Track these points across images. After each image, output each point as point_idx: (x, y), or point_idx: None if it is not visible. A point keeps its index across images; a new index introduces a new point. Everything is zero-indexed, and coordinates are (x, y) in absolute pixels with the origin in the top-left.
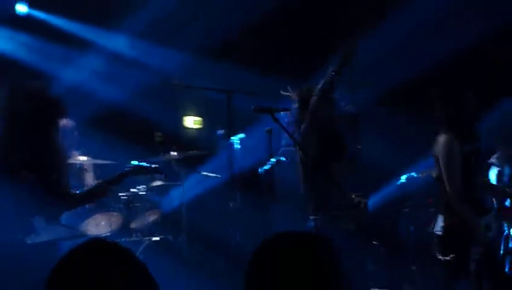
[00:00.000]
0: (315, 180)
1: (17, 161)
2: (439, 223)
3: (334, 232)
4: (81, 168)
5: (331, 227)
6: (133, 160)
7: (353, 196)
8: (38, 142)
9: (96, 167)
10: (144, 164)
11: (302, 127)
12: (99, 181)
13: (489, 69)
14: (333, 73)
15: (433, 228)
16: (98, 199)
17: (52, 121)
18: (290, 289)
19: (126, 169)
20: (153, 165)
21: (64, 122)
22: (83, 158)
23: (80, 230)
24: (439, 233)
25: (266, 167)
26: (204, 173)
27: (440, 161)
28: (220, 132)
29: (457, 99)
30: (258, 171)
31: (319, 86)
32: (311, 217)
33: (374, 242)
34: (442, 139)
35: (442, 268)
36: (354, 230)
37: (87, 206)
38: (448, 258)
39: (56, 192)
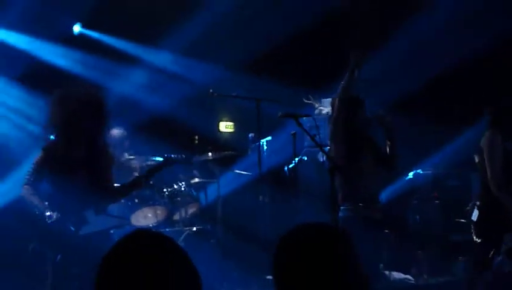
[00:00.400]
0: (343, 175)
1: (76, 162)
2: (476, 212)
3: (359, 221)
4: (130, 168)
5: (357, 215)
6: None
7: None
8: (92, 143)
9: (143, 167)
10: (173, 155)
11: (330, 127)
12: (136, 175)
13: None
14: (347, 73)
15: (470, 216)
16: (134, 190)
17: (103, 122)
18: (308, 275)
19: (157, 163)
20: (180, 155)
21: (116, 131)
22: (132, 159)
23: (125, 218)
24: (475, 220)
25: (291, 166)
26: (237, 171)
27: (484, 151)
28: (251, 135)
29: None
30: (284, 169)
31: (339, 87)
32: (341, 207)
33: (386, 231)
34: (487, 133)
35: (478, 249)
36: (379, 219)
37: (136, 200)
38: (480, 240)
39: (103, 187)
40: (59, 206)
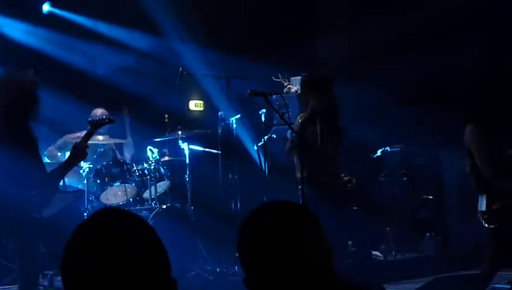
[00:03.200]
0: (307, 157)
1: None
2: (483, 202)
3: (322, 197)
4: (105, 147)
5: (321, 191)
6: (147, 139)
7: (342, 175)
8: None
9: (117, 145)
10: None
11: (303, 115)
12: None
13: None
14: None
15: (479, 207)
16: (75, 163)
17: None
18: (271, 250)
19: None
20: (105, 117)
21: (100, 111)
22: (104, 138)
23: (80, 190)
24: (484, 209)
25: (260, 143)
26: (206, 149)
27: (470, 146)
28: (220, 113)
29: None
30: (253, 147)
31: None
32: (305, 184)
33: (354, 207)
34: (467, 129)
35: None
36: (344, 196)
37: (106, 178)
38: (492, 226)
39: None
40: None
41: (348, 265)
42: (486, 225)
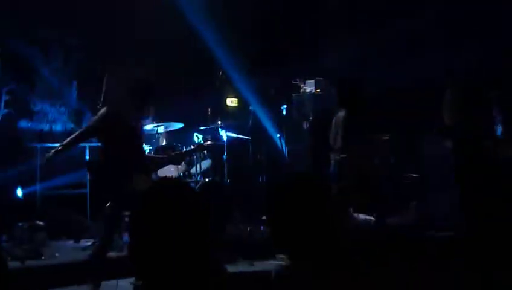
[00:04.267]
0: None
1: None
2: None
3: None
4: (158, 134)
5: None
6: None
7: None
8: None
9: (168, 133)
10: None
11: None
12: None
13: None
14: None
15: None
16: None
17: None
18: (293, 212)
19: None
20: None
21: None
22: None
23: None
24: None
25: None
26: (240, 136)
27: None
28: (251, 108)
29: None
30: (276, 134)
31: None
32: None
33: None
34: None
35: None
36: None
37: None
38: None
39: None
40: None
41: None
42: None
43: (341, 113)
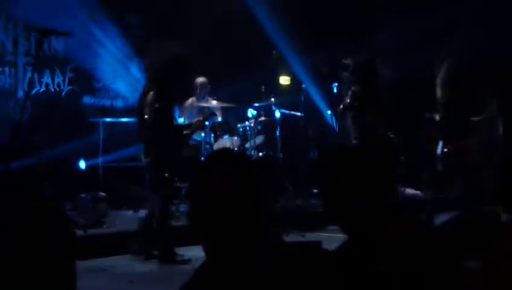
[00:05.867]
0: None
1: None
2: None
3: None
4: (212, 110)
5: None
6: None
7: None
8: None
9: (223, 109)
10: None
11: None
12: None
13: None
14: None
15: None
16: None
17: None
18: (343, 184)
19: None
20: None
21: (201, 80)
22: (214, 102)
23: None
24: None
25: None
26: (292, 112)
27: None
28: (304, 86)
29: None
30: (327, 111)
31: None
32: None
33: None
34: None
35: None
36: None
37: (218, 132)
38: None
39: None
40: None
41: None
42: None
43: None
